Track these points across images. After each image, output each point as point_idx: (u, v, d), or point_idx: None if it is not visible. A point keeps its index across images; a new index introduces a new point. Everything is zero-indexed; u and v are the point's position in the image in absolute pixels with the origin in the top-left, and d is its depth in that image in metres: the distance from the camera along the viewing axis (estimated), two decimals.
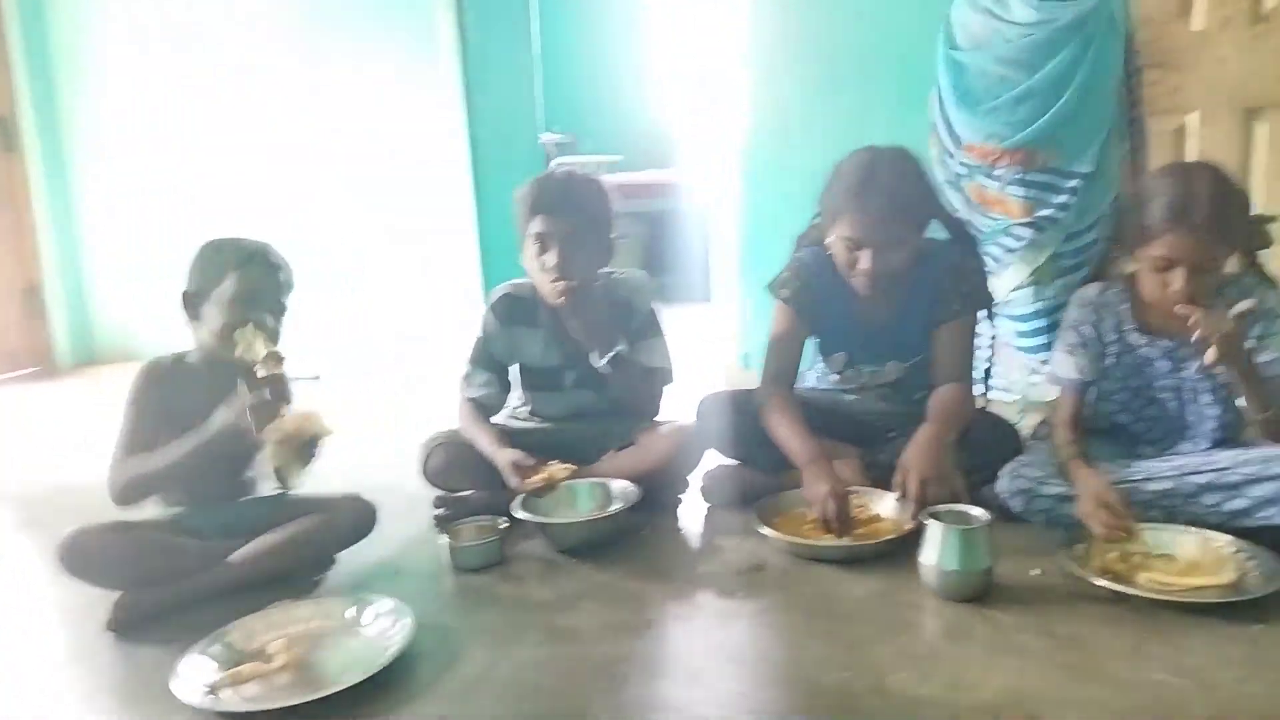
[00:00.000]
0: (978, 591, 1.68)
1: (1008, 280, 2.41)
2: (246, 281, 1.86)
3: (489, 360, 2.30)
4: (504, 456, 2.12)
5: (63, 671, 1.65)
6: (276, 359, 1.82)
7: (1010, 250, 2.38)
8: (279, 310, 1.93)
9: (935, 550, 1.68)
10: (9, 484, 2.80)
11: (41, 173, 4.43)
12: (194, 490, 1.91)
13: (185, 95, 4.21)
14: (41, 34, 4.35)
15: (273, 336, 1.88)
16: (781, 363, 2.23)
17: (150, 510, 1.93)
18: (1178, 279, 1.78)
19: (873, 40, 3.26)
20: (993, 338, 2.50)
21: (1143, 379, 1.99)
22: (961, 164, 2.43)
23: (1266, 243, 2.01)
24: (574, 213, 2.16)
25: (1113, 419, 2.05)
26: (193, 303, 1.90)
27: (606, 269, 2.29)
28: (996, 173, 2.35)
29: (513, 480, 2.08)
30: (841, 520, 1.92)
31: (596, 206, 2.22)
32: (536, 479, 2.05)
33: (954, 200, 2.45)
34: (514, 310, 2.28)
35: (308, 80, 3.98)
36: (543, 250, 2.14)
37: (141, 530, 1.78)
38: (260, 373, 1.79)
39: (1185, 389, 1.95)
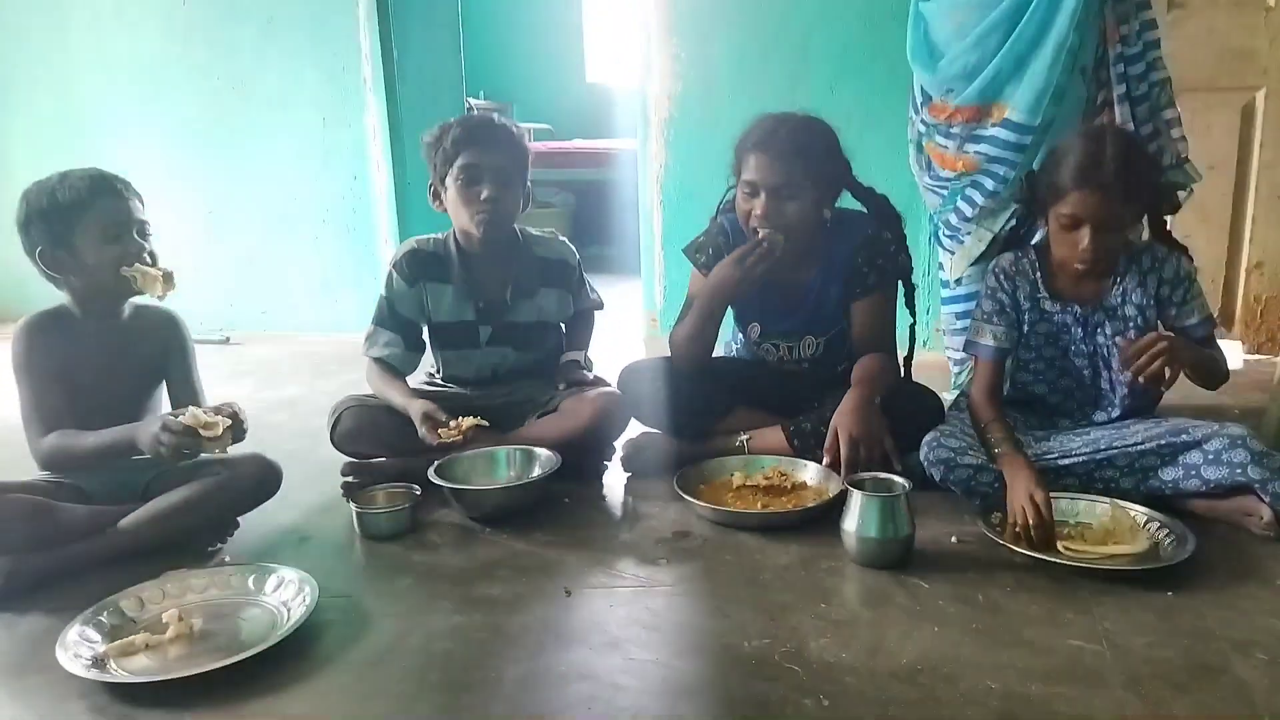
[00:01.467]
0: (897, 559, 1.67)
1: (964, 255, 2.35)
2: (104, 216, 1.75)
3: (395, 320, 2.21)
4: (416, 406, 2.05)
5: None
6: (170, 279, 1.77)
7: (967, 219, 2.30)
8: (145, 229, 1.80)
9: (855, 518, 1.67)
10: None
11: None
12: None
13: (87, 45, 3.96)
14: None
15: (150, 258, 1.78)
16: None
17: (27, 473, 1.81)
18: (1085, 237, 1.81)
19: (805, 9, 3.24)
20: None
21: (1058, 348, 2.02)
22: (922, 123, 2.37)
23: (1173, 208, 2.06)
24: (505, 149, 2.14)
25: (1029, 389, 2.08)
26: (50, 259, 1.76)
27: (520, 225, 2.27)
28: (952, 130, 2.27)
29: (424, 431, 2.01)
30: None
31: (520, 149, 2.20)
32: (449, 430, 1.98)
33: (918, 163, 2.42)
34: (423, 266, 2.21)
35: (222, 37, 3.78)
36: (472, 183, 2.10)
37: (22, 492, 1.65)
38: (160, 292, 1.75)
39: (1099, 355, 1.99)
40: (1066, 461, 1.89)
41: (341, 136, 3.76)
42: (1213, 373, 1.88)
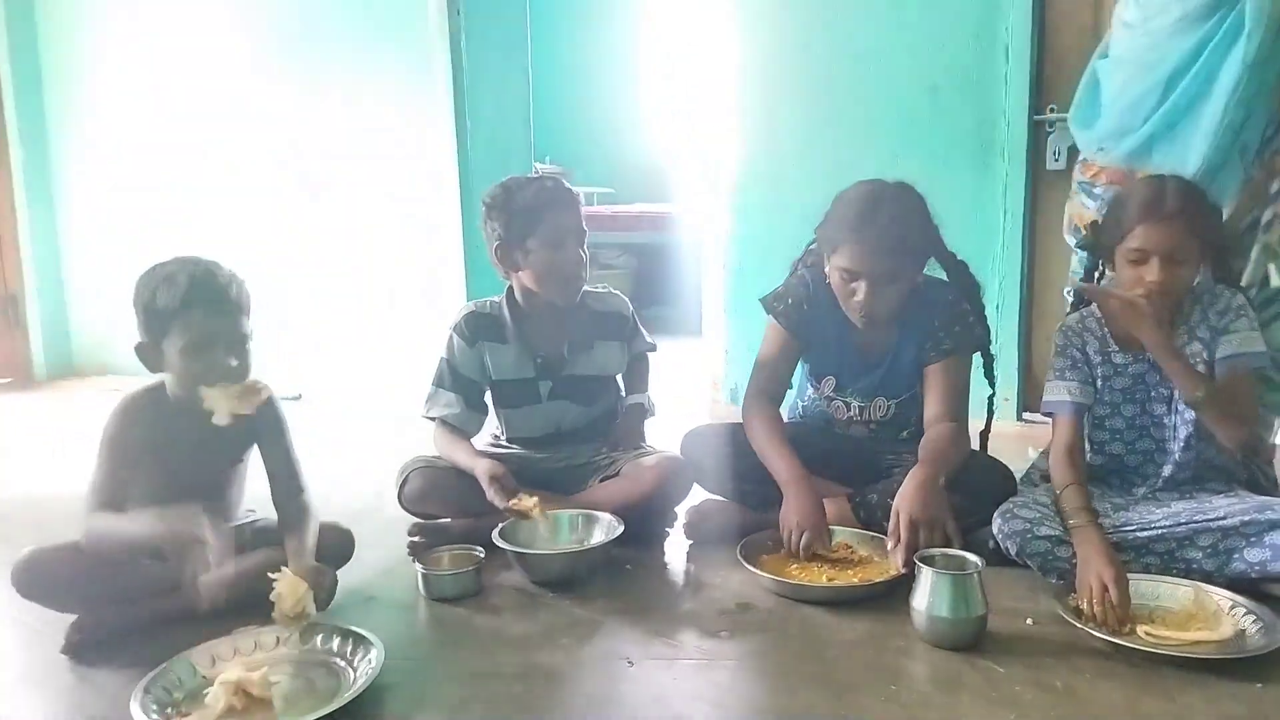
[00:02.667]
0: (969, 640, 1.62)
1: None
2: (192, 331, 1.70)
3: (455, 380, 2.24)
4: (483, 467, 2.07)
5: (16, 695, 1.57)
6: (252, 393, 1.74)
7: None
8: (237, 343, 1.76)
9: (926, 596, 1.64)
10: None
11: (24, 183, 4.36)
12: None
13: (173, 113, 4.17)
14: (29, 42, 4.31)
15: (236, 374, 1.75)
16: (769, 378, 2.19)
17: None
18: (1153, 270, 1.82)
19: (871, 77, 3.27)
20: None
21: (1135, 401, 1.98)
22: (1075, 183, 2.29)
23: (1236, 249, 2.03)
24: (579, 210, 2.21)
25: (1106, 449, 2.02)
26: (148, 354, 1.76)
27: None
28: (1095, 189, 2.19)
29: (491, 493, 2.02)
30: (808, 552, 1.91)
31: (581, 211, 2.26)
32: (515, 503, 2.00)
33: (1066, 226, 2.35)
34: (481, 327, 2.25)
35: (299, 103, 3.94)
36: (561, 245, 2.15)
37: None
38: (227, 416, 1.72)
39: (1175, 399, 1.94)
40: (1145, 534, 1.82)
41: (416, 200, 3.87)
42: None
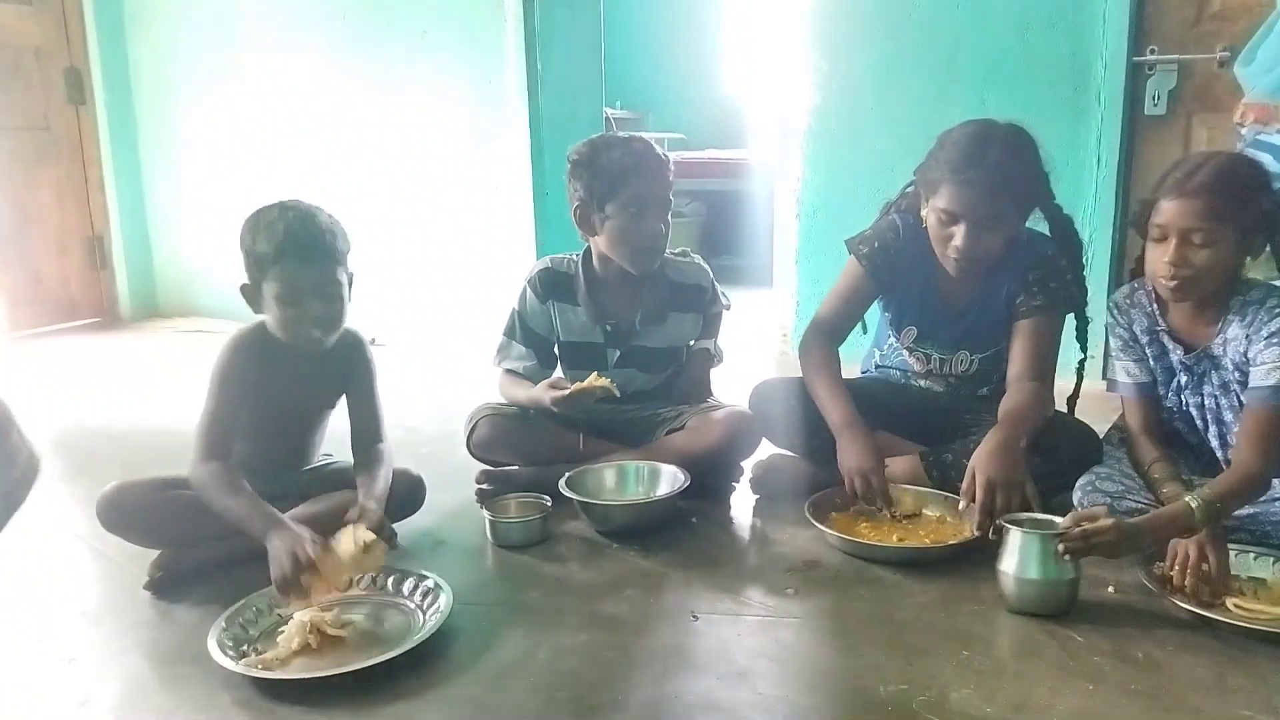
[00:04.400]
0: (1060, 605, 1.57)
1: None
2: (285, 279, 1.72)
3: (526, 334, 2.21)
4: (541, 386, 2.04)
5: (97, 628, 1.63)
6: (376, 552, 1.63)
7: None
8: (330, 292, 1.76)
9: (1014, 558, 1.58)
10: (61, 432, 2.82)
11: (108, 125, 4.47)
12: (254, 460, 1.84)
13: (253, 55, 4.20)
14: None
15: (327, 321, 1.76)
16: (838, 316, 2.12)
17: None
18: (1168, 250, 1.67)
19: (954, 18, 3.12)
20: None
21: (1169, 388, 1.86)
22: (1234, 126, 2.27)
23: None
24: (667, 179, 2.13)
25: (1173, 424, 1.91)
26: (251, 296, 1.78)
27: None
28: (1243, 130, 2.14)
29: (551, 396, 1.99)
30: (870, 498, 1.86)
31: (670, 178, 2.16)
32: (580, 386, 1.96)
33: None
34: (555, 285, 2.20)
35: (372, 44, 3.94)
36: (642, 215, 2.07)
37: (184, 489, 1.74)
38: (357, 572, 1.65)
39: (1206, 409, 1.82)
40: (1239, 510, 1.73)
41: (484, 146, 3.85)
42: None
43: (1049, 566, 1.55)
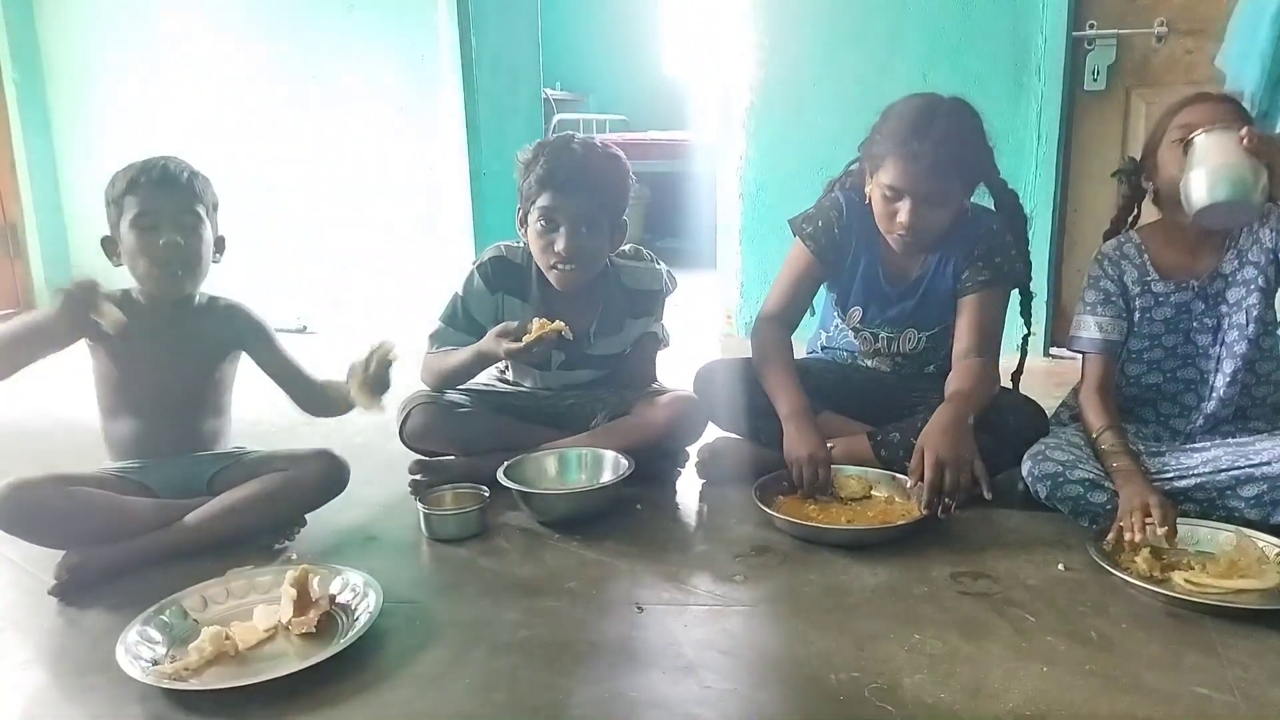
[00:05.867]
0: (1256, 209, 1.64)
1: None
2: (138, 205, 1.71)
3: (467, 321, 2.08)
4: (490, 337, 1.92)
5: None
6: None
7: None
8: (186, 224, 1.73)
9: (1202, 163, 1.63)
10: None
11: (19, 112, 4.24)
12: (145, 442, 1.76)
13: (172, 35, 4.01)
14: None
15: (185, 255, 1.73)
16: (786, 302, 2.07)
17: (97, 463, 1.80)
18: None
19: None
20: None
21: (1179, 332, 1.86)
22: None
23: None
24: (590, 192, 1.95)
25: (1142, 380, 1.91)
26: (110, 246, 1.78)
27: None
28: None
29: (505, 347, 1.87)
30: (816, 488, 1.83)
31: (615, 186, 2.01)
32: (529, 336, 1.85)
33: None
34: (506, 275, 2.08)
35: (298, 22, 3.78)
36: (549, 229, 1.95)
37: (86, 485, 1.63)
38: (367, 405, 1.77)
39: (1222, 329, 1.83)
40: (1184, 483, 1.73)
41: (418, 126, 3.73)
42: None
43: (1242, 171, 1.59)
